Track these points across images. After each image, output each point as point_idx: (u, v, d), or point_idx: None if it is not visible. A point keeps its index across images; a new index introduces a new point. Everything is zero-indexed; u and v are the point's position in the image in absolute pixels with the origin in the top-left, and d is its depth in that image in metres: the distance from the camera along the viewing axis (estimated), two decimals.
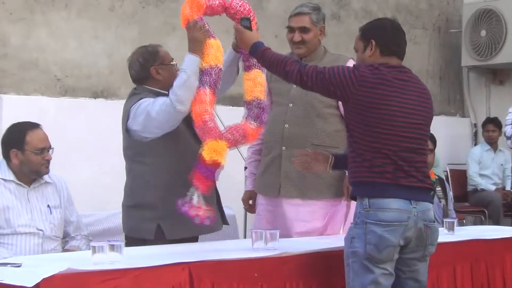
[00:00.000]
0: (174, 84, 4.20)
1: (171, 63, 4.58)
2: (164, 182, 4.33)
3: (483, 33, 9.39)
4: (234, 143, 4.16)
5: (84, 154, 6.57)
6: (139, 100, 4.35)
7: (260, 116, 4.27)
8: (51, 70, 6.69)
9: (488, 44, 9.34)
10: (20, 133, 4.44)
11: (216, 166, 4.02)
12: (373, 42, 3.83)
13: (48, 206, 4.49)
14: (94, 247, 3.26)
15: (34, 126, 4.50)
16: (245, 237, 6.57)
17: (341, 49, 8.83)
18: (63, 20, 6.77)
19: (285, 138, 4.71)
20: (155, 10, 7.41)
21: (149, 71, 4.50)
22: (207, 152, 4.01)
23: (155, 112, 4.22)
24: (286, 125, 4.71)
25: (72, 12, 6.86)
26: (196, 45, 4.30)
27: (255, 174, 4.93)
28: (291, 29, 4.81)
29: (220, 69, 4.27)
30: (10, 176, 4.41)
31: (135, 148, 4.42)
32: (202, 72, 4.22)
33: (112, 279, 3.11)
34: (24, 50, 6.49)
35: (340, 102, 4.53)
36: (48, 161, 4.45)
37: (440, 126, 8.93)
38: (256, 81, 4.37)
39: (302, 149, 4.39)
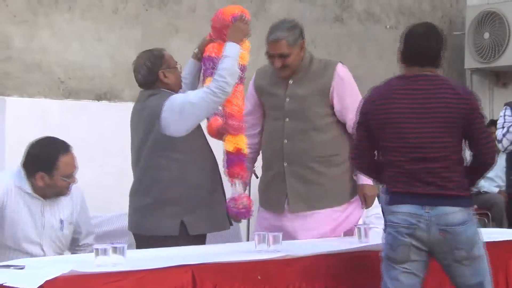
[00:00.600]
0: (221, 67, 4.38)
1: (176, 66, 4.64)
2: (190, 177, 4.45)
3: (486, 35, 9.38)
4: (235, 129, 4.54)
5: (87, 156, 6.54)
6: (170, 96, 4.46)
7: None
8: (54, 72, 6.69)
9: (491, 46, 9.33)
10: (51, 157, 4.31)
11: (240, 152, 4.49)
12: (399, 55, 3.95)
13: (61, 221, 4.41)
14: (97, 250, 3.26)
15: (66, 149, 4.39)
16: (248, 239, 6.56)
17: (343, 51, 8.85)
18: (66, 22, 6.77)
19: (286, 154, 4.69)
20: (158, 12, 7.41)
21: (157, 75, 4.58)
22: (228, 143, 4.50)
23: (197, 99, 4.37)
24: (285, 141, 4.70)
25: (76, 14, 6.86)
26: (240, 35, 4.51)
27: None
28: (270, 55, 4.71)
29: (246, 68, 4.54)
30: (28, 188, 4.31)
31: (165, 143, 4.47)
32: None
33: (115, 281, 3.11)
34: (27, 52, 6.49)
35: (335, 109, 4.66)
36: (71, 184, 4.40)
37: None
38: None
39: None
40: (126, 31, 7.20)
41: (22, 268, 3.32)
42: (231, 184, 4.58)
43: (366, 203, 4.67)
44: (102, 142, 6.61)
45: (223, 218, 4.58)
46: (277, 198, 4.71)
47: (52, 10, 6.70)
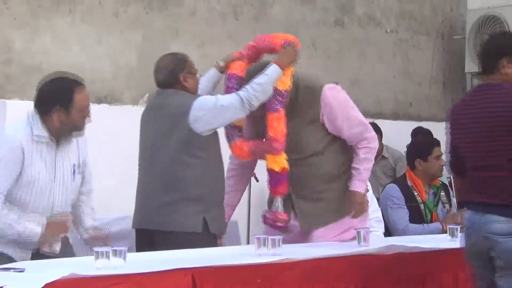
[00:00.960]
0: (256, 81, 4.47)
1: (196, 73, 4.73)
2: (212, 176, 4.58)
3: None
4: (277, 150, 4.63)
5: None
6: (197, 96, 4.57)
7: None
8: None
9: None
10: (67, 91, 4.19)
11: (284, 171, 4.59)
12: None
13: (74, 167, 4.30)
14: (97, 253, 3.27)
15: (80, 83, 4.29)
16: (247, 243, 6.57)
17: (344, 55, 8.86)
18: (67, 25, 6.78)
19: (290, 179, 4.70)
20: (159, 15, 7.42)
21: (177, 78, 4.66)
22: (272, 163, 4.61)
23: (228, 103, 4.47)
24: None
25: (76, 17, 6.87)
26: (288, 60, 4.61)
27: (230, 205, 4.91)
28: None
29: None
30: (45, 132, 4.13)
31: (190, 141, 4.55)
32: (277, 94, 4.56)
33: (115, 284, 3.12)
34: (28, 55, 6.50)
35: (329, 130, 4.68)
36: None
37: (443, 132, 8.90)
38: None
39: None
40: (126, 34, 7.20)
41: (22, 271, 3.33)
42: (273, 199, 4.68)
43: (355, 210, 4.65)
44: (103, 145, 6.60)
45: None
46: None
47: (53, 13, 6.71)
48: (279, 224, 4.61)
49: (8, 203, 4.05)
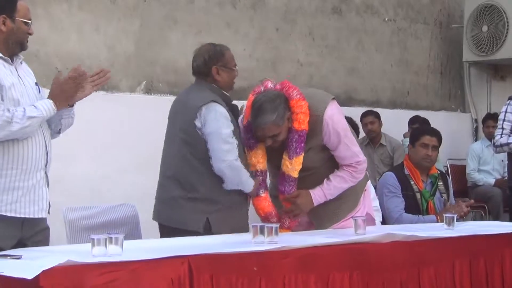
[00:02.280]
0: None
1: (233, 68, 4.68)
2: (218, 177, 4.51)
3: (485, 28, 9.39)
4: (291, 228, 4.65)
5: (85, 146, 6.58)
6: (210, 102, 4.50)
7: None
8: (52, 62, 6.70)
9: (490, 39, 9.34)
10: (10, 0, 4.03)
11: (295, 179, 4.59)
12: None
13: (36, 84, 4.18)
14: (93, 240, 3.27)
15: None
16: None
17: (342, 44, 8.86)
18: (64, 13, 6.78)
19: (298, 187, 4.69)
20: (157, 3, 7.41)
21: (210, 69, 4.61)
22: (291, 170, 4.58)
23: (222, 142, 4.48)
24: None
25: (74, 5, 6.87)
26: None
27: None
28: (260, 137, 4.54)
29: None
30: None
31: (197, 142, 4.54)
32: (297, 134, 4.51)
33: (111, 271, 3.12)
34: None
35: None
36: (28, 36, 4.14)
37: (440, 121, 8.95)
38: None
39: None
40: (124, 22, 7.20)
41: (19, 258, 3.33)
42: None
43: (291, 208, 4.65)
44: (100, 132, 6.61)
45: (244, 220, 4.66)
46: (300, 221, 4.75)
47: (51, 1, 6.71)
48: (287, 225, 4.66)
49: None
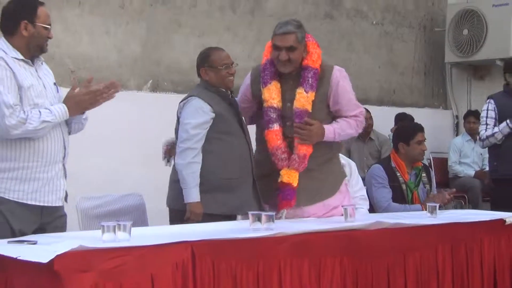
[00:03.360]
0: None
1: (219, 67, 4.71)
2: (206, 164, 4.57)
3: (465, 31, 9.38)
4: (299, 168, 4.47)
5: (95, 141, 6.56)
6: (190, 97, 4.66)
7: None
8: (66, 63, 6.69)
9: (470, 42, 9.33)
10: (30, 4, 4.05)
11: (292, 187, 4.46)
12: None
13: (55, 84, 4.18)
14: (103, 227, 3.26)
15: (41, 2, 4.13)
16: None
17: (333, 46, 8.84)
18: (76, 16, 6.76)
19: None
20: (162, 7, 7.40)
21: (199, 71, 4.79)
22: (282, 178, 4.46)
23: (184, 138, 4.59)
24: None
25: (85, 9, 6.86)
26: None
27: None
28: (277, 48, 4.42)
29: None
30: (19, 55, 3.98)
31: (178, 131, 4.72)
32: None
33: (120, 256, 3.11)
34: None
35: (331, 109, 4.60)
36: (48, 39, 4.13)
37: (424, 117, 8.94)
38: None
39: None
40: (132, 25, 7.19)
41: (34, 243, 3.32)
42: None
43: (304, 132, 4.47)
44: (110, 128, 6.60)
45: (239, 203, 4.62)
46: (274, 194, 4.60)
47: (64, 5, 6.69)
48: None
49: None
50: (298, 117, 4.44)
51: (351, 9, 9.10)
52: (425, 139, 6.01)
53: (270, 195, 4.59)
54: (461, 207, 8.53)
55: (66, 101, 4.03)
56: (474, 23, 9.31)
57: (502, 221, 4.54)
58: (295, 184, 4.49)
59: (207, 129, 4.59)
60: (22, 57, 3.99)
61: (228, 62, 4.74)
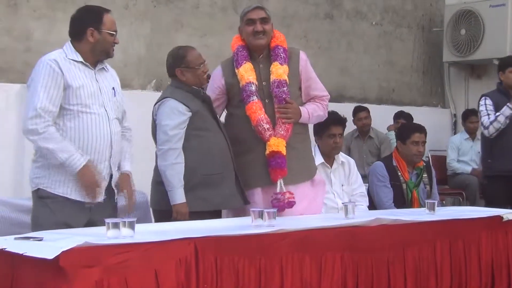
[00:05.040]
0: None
1: (196, 67, 4.64)
2: (186, 162, 4.49)
3: (463, 31, 9.37)
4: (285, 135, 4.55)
5: None
6: (164, 99, 4.57)
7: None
8: None
9: (467, 41, 9.33)
10: (97, 12, 4.17)
11: (282, 154, 4.48)
12: None
13: (113, 88, 4.24)
14: (108, 223, 3.26)
15: (107, 9, 4.25)
16: None
17: (333, 46, 8.84)
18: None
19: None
20: (166, 8, 7.40)
21: (174, 72, 4.67)
22: (270, 147, 4.49)
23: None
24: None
25: None
26: None
27: None
28: (251, 21, 4.63)
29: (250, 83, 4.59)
30: (79, 57, 4.08)
31: (156, 133, 4.64)
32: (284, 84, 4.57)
33: (124, 252, 3.11)
34: (46, 44, 6.47)
35: (302, 86, 4.73)
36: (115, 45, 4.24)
37: (423, 116, 8.94)
38: None
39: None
40: (136, 26, 7.19)
41: (40, 239, 3.32)
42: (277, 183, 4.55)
43: (289, 111, 4.61)
44: None
45: (222, 198, 4.55)
46: (265, 173, 4.60)
47: (69, 6, 6.67)
48: (291, 200, 4.51)
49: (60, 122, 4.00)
50: (278, 87, 4.56)
51: (350, 10, 9.10)
52: (425, 141, 5.98)
53: (259, 174, 4.59)
54: (459, 204, 8.54)
55: (87, 172, 3.99)
56: (471, 23, 9.30)
57: (499, 217, 4.54)
58: (284, 151, 4.52)
59: (185, 128, 4.52)
60: (81, 60, 4.09)
61: (202, 61, 4.68)
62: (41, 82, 3.97)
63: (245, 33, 4.68)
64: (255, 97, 4.56)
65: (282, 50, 4.66)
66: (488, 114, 6.50)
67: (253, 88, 4.57)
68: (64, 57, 4.06)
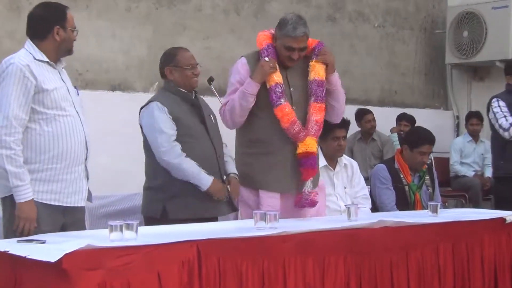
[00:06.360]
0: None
1: (185, 67, 4.60)
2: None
3: (465, 33, 9.37)
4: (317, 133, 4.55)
5: (103, 142, 6.56)
6: (150, 103, 4.57)
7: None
8: (73, 65, 6.67)
9: (470, 44, 9.32)
10: (60, 10, 4.05)
11: (314, 154, 4.49)
12: None
13: (75, 87, 4.16)
14: (111, 226, 3.26)
15: (67, 6, 4.12)
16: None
17: (336, 48, 8.83)
18: (84, 20, 6.75)
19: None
20: (168, 11, 7.40)
21: (163, 71, 4.65)
22: (304, 147, 4.47)
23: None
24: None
25: (92, 13, 6.85)
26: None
27: None
28: (290, 48, 4.48)
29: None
30: (44, 57, 3.97)
31: (144, 137, 4.64)
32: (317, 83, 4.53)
33: (127, 254, 3.11)
34: None
35: None
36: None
37: (425, 118, 8.94)
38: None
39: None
40: (138, 28, 7.19)
41: (43, 242, 3.32)
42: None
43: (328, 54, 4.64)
44: (116, 129, 6.60)
45: (209, 206, 4.54)
46: (287, 179, 4.61)
47: (71, 9, 6.61)
48: (315, 200, 4.54)
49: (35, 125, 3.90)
50: (318, 85, 4.53)
51: (353, 12, 9.09)
52: (431, 151, 5.98)
53: (281, 179, 4.57)
54: (462, 206, 8.55)
55: (29, 207, 3.85)
56: (474, 25, 9.30)
57: (502, 219, 4.54)
58: (316, 152, 4.54)
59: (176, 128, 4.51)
60: (47, 60, 3.99)
61: (194, 63, 4.63)
62: (13, 87, 3.83)
63: (279, 49, 4.54)
64: (282, 100, 4.47)
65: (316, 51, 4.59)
66: (505, 116, 6.46)
67: (280, 91, 4.47)
68: (33, 59, 3.93)
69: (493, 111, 6.53)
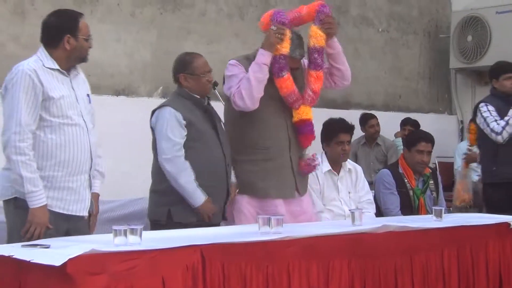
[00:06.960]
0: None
1: (201, 75, 4.60)
2: None
3: (470, 38, 9.36)
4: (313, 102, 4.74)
5: (106, 146, 6.54)
6: (163, 107, 4.59)
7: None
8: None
9: (474, 48, 9.32)
10: (72, 19, 4.07)
11: (310, 121, 4.70)
12: None
13: (88, 95, 4.17)
14: (115, 231, 3.26)
15: (81, 14, 4.15)
16: None
17: None
18: (88, 24, 6.76)
19: (292, 145, 4.70)
20: (172, 15, 7.40)
21: (178, 78, 4.67)
22: (299, 115, 4.67)
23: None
24: (289, 132, 4.72)
25: (97, 17, 6.86)
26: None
27: None
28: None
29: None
30: (55, 65, 3.98)
31: (154, 141, 4.65)
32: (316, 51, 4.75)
33: (131, 259, 3.11)
34: None
35: None
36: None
37: (429, 122, 8.93)
38: None
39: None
40: (142, 33, 7.19)
41: (47, 247, 3.32)
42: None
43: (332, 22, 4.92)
44: (120, 133, 6.60)
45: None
46: (289, 184, 4.68)
47: None
48: (316, 163, 4.80)
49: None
50: (317, 52, 4.76)
51: (357, 17, 9.09)
52: (430, 151, 5.95)
53: (282, 185, 4.72)
54: (466, 210, 8.53)
55: (43, 212, 3.87)
56: (478, 30, 9.29)
57: (507, 224, 4.54)
58: (311, 118, 4.72)
59: (186, 135, 4.52)
60: (58, 67, 4.01)
61: (208, 70, 4.66)
62: (22, 94, 3.85)
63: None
64: (285, 72, 4.62)
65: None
66: (496, 120, 6.43)
67: (285, 62, 4.61)
68: (42, 66, 3.95)
69: (482, 116, 6.44)
